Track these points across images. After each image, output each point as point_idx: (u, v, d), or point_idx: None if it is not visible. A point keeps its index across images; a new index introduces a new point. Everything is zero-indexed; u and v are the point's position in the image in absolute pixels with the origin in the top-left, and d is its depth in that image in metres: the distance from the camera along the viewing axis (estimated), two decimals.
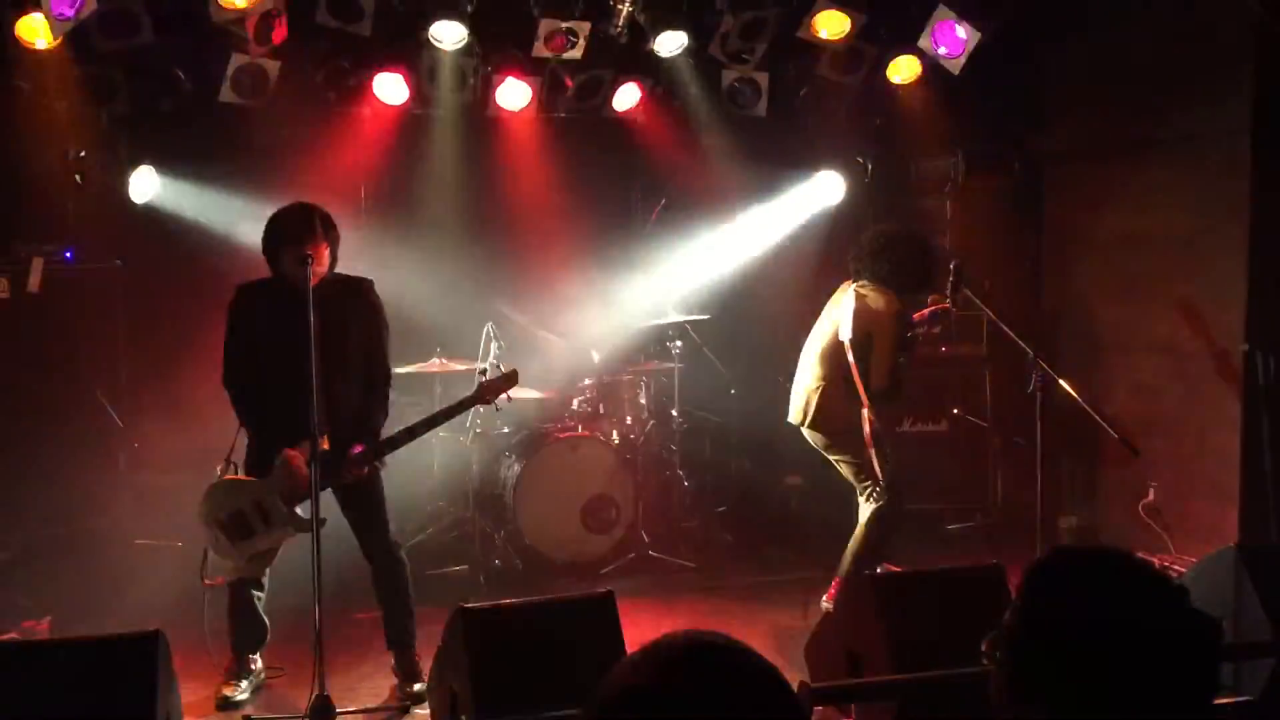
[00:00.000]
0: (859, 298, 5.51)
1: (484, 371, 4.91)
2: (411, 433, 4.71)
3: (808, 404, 5.60)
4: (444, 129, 7.07)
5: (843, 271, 5.76)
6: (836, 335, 5.52)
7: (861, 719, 4.19)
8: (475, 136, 7.18)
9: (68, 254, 6.59)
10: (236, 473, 4.66)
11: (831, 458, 5.65)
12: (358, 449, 4.58)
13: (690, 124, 7.32)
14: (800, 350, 5.82)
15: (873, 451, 5.37)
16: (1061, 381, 4.98)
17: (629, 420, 6.99)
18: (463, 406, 4.85)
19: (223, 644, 4.80)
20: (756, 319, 7.65)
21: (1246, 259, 6.02)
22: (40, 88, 6.08)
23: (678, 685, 1.26)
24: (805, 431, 5.67)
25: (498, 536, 6.68)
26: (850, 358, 5.43)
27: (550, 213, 7.38)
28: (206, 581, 4.60)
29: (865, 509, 5.56)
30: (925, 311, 5.60)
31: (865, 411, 5.38)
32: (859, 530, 5.57)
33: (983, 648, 1.68)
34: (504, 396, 4.96)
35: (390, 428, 4.84)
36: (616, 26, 6.57)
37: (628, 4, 6.43)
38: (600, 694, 1.29)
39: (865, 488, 5.54)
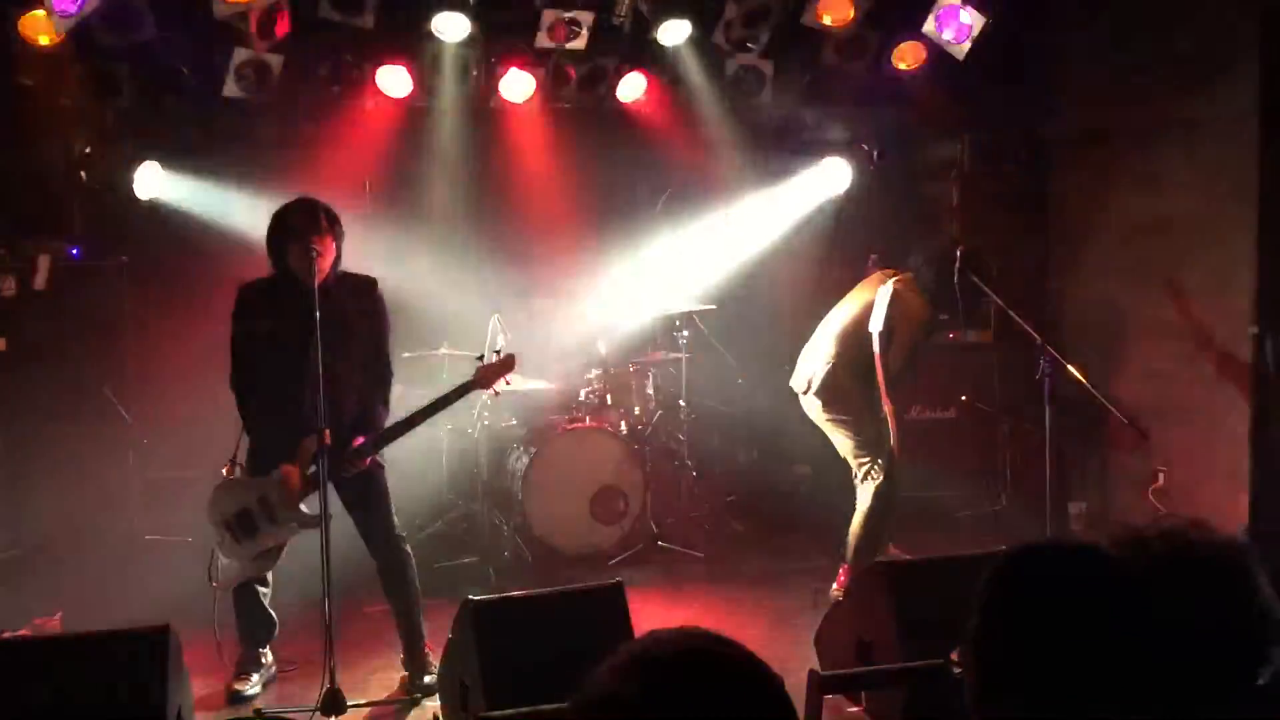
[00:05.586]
0: (896, 294, 5.53)
1: (481, 357, 4.85)
2: (411, 421, 4.66)
3: (814, 376, 5.74)
4: (448, 121, 7.06)
5: (851, 256, 5.75)
6: (862, 322, 5.58)
7: (871, 706, 4.19)
8: (479, 128, 7.17)
9: (74, 251, 6.60)
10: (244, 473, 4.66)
11: (828, 429, 5.77)
12: (358, 441, 4.57)
13: (695, 113, 7.29)
14: (811, 333, 5.89)
15: (894, 436, 5.54)
16: (1070, 367, 4.97)
17: (637, 411, 6.98)
18: (461, 392, 4.74)
19: (233, 638, 4.81)
20: (763, 308, 7.63)
21: (1255, 243, 5.98)
22: (44, 84, 6.09)
23: (663, 694, 1.22)
24: (805, 399, 5.80)
25: (506, 528, 6.68)
26: (876, 349, 5.50)
27: (555, 203, 7.37)
28: (215, 584, 4.63)
29: (864, 490, 5.66)
30: None
31: (886, 403, 5.51)
32: (859, 512, 5.65)
33: (952, 657, 1.66)
34: (503, 381, 4.89)
35: (393, 419, 4.82)
36: (620, 16, 6.55)
37: None
38: (584, 697, 1.25)
39: (861, 464, 5.65)
